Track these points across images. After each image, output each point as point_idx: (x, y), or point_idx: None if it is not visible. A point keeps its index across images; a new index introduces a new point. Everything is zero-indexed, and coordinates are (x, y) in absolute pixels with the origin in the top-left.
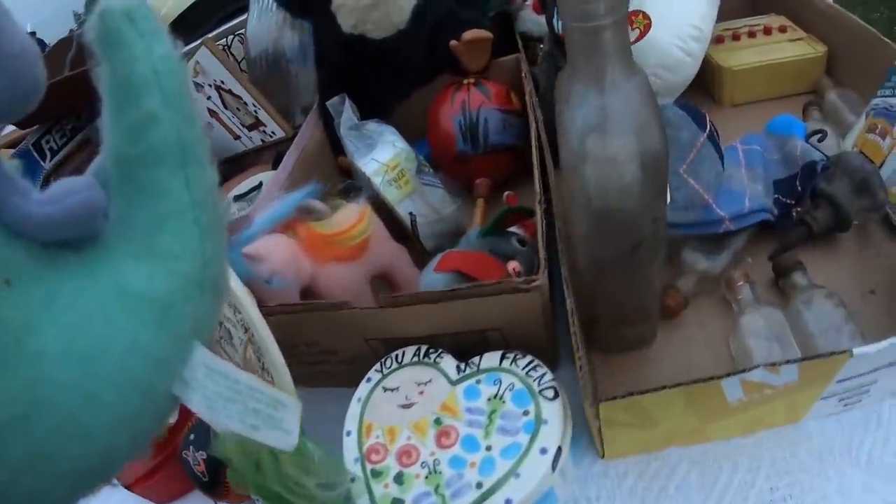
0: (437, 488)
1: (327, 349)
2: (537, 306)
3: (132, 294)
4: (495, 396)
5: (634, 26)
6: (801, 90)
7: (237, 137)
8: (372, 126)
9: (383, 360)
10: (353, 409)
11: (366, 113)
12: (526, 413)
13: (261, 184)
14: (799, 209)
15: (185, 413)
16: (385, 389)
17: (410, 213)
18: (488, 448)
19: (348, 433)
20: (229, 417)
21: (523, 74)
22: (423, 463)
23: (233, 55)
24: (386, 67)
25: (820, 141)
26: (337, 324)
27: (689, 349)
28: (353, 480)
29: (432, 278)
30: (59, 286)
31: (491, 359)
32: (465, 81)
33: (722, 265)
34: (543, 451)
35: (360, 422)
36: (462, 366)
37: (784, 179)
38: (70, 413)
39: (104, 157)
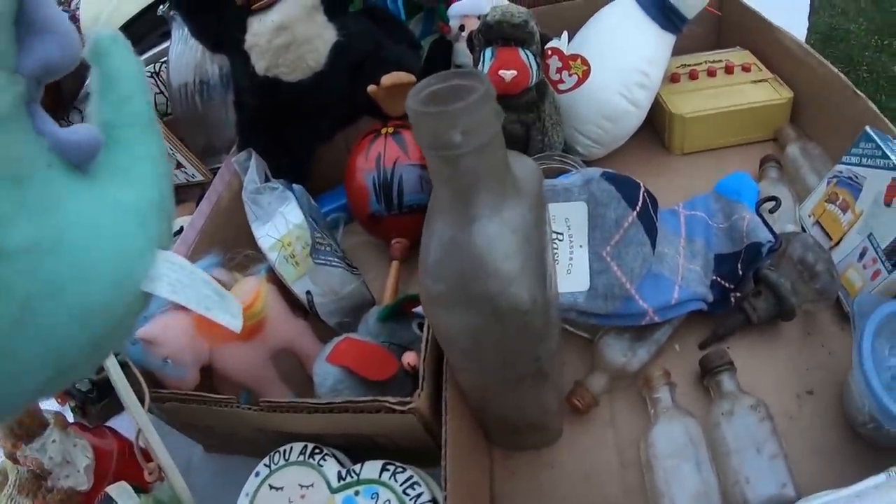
0: None
1: (224, 433)
2: (415, 424)
3: (124, 206)
4: None
5: (572, 72)
6: (763, 137)
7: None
8: (274, 192)
9: (272, 454)
10: (242, 502)
11: (286, 157)
12: None
13: (182, 229)
14: (738, 294)
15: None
16: (271, 487)
17: (307, 292)
18: None
19: None
20: (188, 299)
21: None
22: None
23: (162, 82)
24: (303, 111)
25: (772, 212)
26: (227, 414)
27: (597, 450)
28: None
29: (323, 369)
30: (73, 189)
31: (372, 469)
32: (384, 130)
33: (641, 361)
34: None
35: None
36: (344, 472)
37: (726, 256)
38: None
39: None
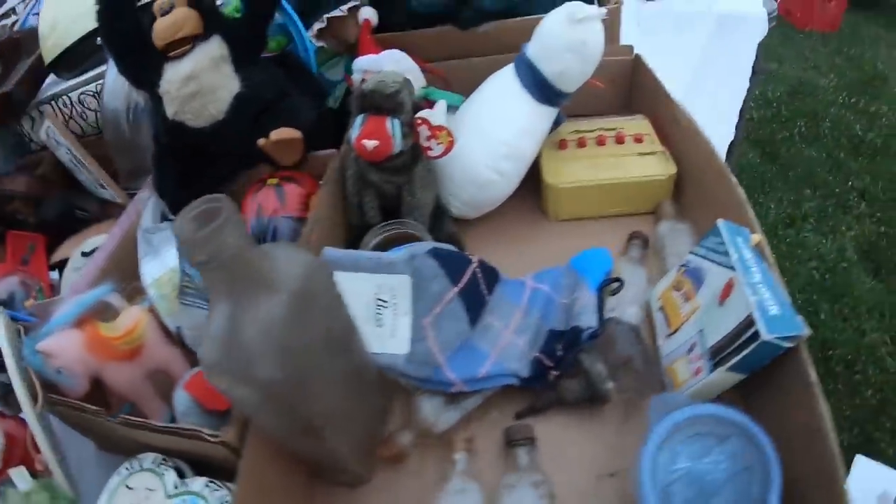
0: None
1: (107, 436)
2: (227, 452)
3: None
4: None
5: (439, 142)
6: (644, 210)
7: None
8: (160, 234)
9: (132, 459)
10: (103, 497)
11: (192, 194)
12: None
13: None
14: (556, 373)
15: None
16: (127, 487)
17: (178, 327)
18: None
19: None
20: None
21: (321, 182)
22: None
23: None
24: (206, 155)
25: (613, 293)
26: (100, 422)
27: (401, 497)
28: None
29: (179, 395)
30: None
31: (198, 484)
32: (269, 181)
33: (449, 424)
34: None
35: None
36: (179, 483)
37: (556, 334)
38: None
39: None
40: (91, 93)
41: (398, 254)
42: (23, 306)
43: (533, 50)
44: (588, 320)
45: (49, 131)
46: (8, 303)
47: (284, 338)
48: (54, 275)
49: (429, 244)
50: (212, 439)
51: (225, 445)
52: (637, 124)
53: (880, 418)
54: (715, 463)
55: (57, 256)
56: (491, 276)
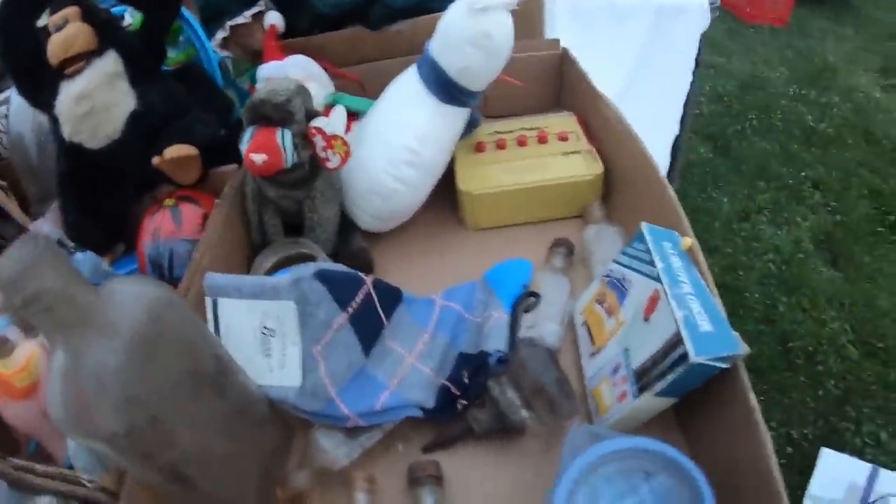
0: None
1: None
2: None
3: None
4: None
5: (335, 152)
6: (570, 214)
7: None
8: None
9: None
10: None
11: (96, 218)
12: None
13: None
14: (465, 402)
15: None
16: None
17: None
18: None
19: None
20: None
21: (216, 201)
22: None
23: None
24: (107, 177)
25: (527, 311)
26: None
27: None
28: None
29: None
30: None
31: None
32: (166, 202)
33: (348, 459)
34: None
35: None
36: None
37: (466, 358)
38: None
39: None
40: (2, 115)
41: (281, 278)
42: None
43: (434, 46)
44: (496, 343)
45: None
46: None
47: (124, 386)
48: None
49: (315, 265)
50: (89, 485)
51: (104, 491)
52: (562, 121)
53: (844, 408)
54: (639, 503)
55: None
56: (389, 296)
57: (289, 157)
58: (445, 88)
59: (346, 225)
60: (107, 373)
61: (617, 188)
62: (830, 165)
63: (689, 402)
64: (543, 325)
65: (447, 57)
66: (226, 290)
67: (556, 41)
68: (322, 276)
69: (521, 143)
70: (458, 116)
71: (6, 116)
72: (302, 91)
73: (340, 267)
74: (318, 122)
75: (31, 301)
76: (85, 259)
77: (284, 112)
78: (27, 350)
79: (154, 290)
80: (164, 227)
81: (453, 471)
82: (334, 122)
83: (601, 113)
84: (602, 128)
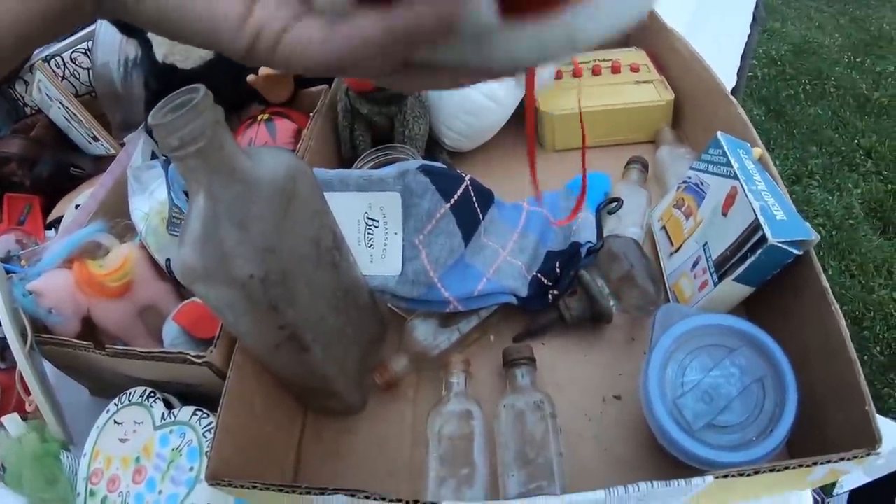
0: None
1: (97, 377)
2: (212, 375)
3: None
4: (177, 448)
5: None
6: (642, 139)
7: (96, 139)
8: (152, 171)
9: (121, 395)
10: (92, 434)
11: None
12: (191, 469)
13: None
14: (556, 292)
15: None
16: (115, 422)
17: (167, 260)
18: (160, 492)
19: (84, 455)
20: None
21: (312, 114)
22: (120, 492)
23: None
24: None
25: (611, 213)
26: (89, 358)
27: (395, 425)
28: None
29: (168, 326)
30: None
31: (185, 413)
32: (260, 117)
33: (444, 346)
34: None
35: (93, 447)
36: (166, 413)
37: (555, 254)
38: None
39: None
40: (83, 50)
41: (388, 170)
42: (18, 263)
43: None
44: (587, 236)
45: (42, 86)
46: (5, 260)
47: (264, 235)
48: (51, 233)
49: (419, 161)
50: (196, 360)
51: (209, 367)
52: (632, 55)
53: (889, 375)
54: (725, 376)
55: (53, 214)
56: (484, 196)
57: None
58: None
59: (432, 143)
60: (249, 219)
61: (686, 114)
62: (884, 134)
63: (762, 298)
64: (625, 229)
65: None
66: (331, 183)
67: None
68: (426, 170)
69: (596, 72)
70: None
71: (88, 52)
72: None
73: (440, 164)
74: None
75: (188, 142)
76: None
77: None
78: (122, 252)
79: (290, 156)
80: (258, 139)
81: (544, 358)
82: None
83: (671, 45)
84: (672, 60)
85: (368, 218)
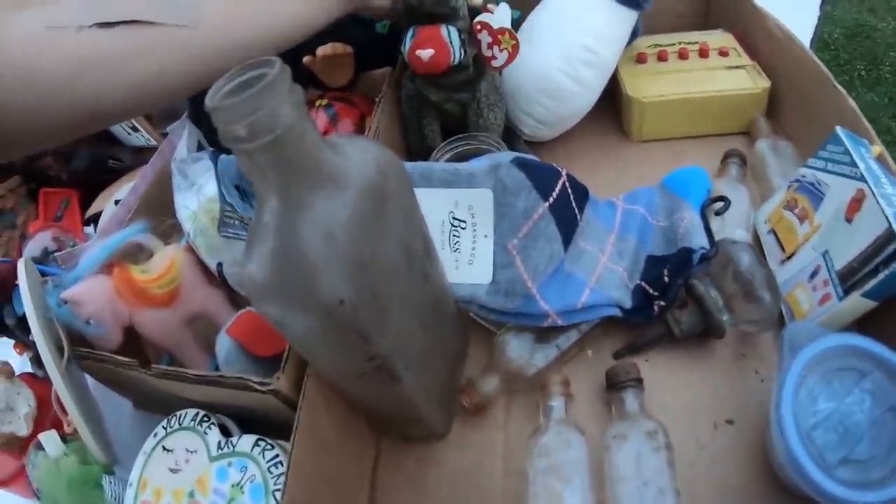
0: None
1: (142, 392)
2: (278, 403)
3: None
4: (237, 484)
5: (502, 47)
6: (734, 130)
7: (135, 130)
8: (199, 163)
9: (170, 417)
10: (139, 461)
11: None
12: None
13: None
14: (663, 303)
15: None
16: (164, 449)
17: (218, 263)
18: None
19: (130, 484)
20: None
21: (377, 98)
22: None
23: None
24: None
25: (718, 214)
26: (133, 376)
27: (484, 454)
28: None
29: (221, 340)
30: None
31: (246, 442)
32: (318, 102)
33: (542, 364)
34: None
35: (139, 476)
36: (223, 442)
37: (658, 259)
38: None
39: None
40: None
41: (478, 164)
42: (54, 261)
43: None
44: (698, 241)
45: None
46: (42, 259)
47: (356, 248)
48: (89, 229)
49: (512, 153)
50: (261, 388)
51: (276, 395)
52: (720, 38)
53: None
54: (858, 403)
55: (92, 210)
56: (580, 192)
57: (456, 52)
58: None
59: (509, 133)
60: (337, 227)
61: (785, 103)
62: None
63: (877, 312)
64: (731, 232)
65: None
66: (412, 178)
67: None
68: (521, 164)
69: (683, 56)
70: (628, 19)
71: None
72: None
73: (533, 156)
74: (482, 18)
75: (260, 131)
76: (229, 162)
77: (447, 8)
78: (167, 255)
79: (378, 146)
80: (319, 125)
81: (646, 376)
82: (499, 16)
83: (763, 27)
84: (764, 43)
85: (454, 218)
